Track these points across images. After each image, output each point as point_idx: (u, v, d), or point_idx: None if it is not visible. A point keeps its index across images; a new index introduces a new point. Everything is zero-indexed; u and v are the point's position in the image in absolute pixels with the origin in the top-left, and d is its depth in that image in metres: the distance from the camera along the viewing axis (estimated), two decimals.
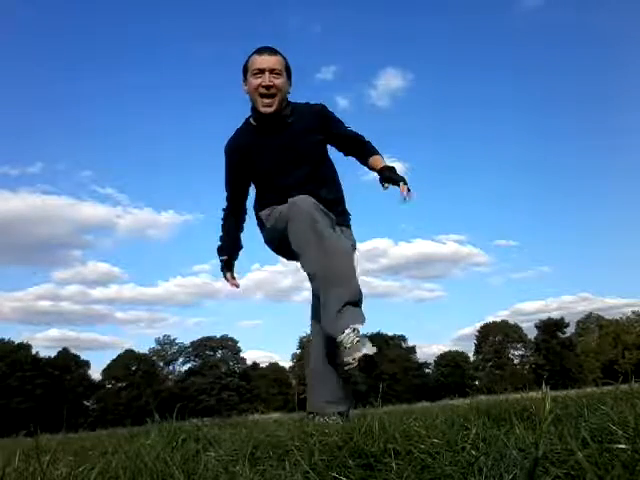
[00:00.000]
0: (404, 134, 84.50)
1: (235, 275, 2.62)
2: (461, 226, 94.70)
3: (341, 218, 2.48)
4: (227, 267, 2.60)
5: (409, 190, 2.37)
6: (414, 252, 72.70)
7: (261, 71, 2.29)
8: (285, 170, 2.41)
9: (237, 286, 2.60)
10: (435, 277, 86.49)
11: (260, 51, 2.34)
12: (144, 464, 1.06)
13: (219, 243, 2.62)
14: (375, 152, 2.60)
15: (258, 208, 2.53)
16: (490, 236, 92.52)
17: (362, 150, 2.61)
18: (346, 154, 2.62)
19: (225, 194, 2.61)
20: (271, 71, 2.30)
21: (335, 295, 1.96)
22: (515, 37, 79.50)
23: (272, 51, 2.35)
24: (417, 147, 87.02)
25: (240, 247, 2.69)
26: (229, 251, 2.62)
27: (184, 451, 1.26)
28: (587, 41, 77.49)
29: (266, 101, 2.31)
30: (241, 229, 2.70)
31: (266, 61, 2.31)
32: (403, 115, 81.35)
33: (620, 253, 79.05)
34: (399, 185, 2.37)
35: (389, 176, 2.41)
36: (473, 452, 0.94)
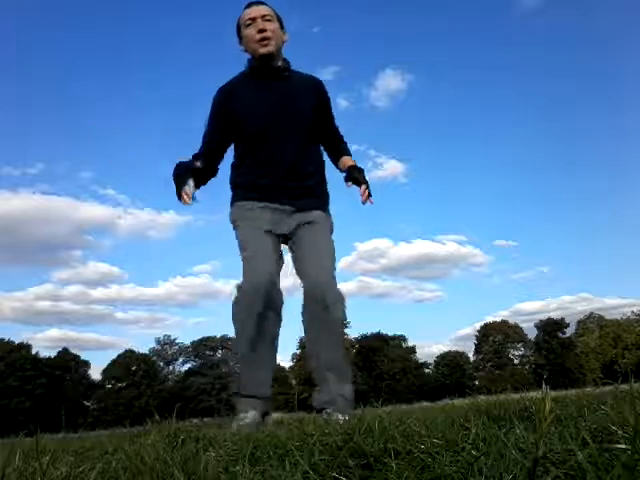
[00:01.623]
0: (403, 135, 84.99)
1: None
2: (461, 226, 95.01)
3: (321, 201, 2.47)
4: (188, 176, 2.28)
5: (370, 195, 2.43)
6: (414, 252, 72.90)
7: (253, 19, 2.34)
8: (278, 127, 2.34)
9: (189, 200, 2.30)
10: (435, 277, 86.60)
11: (249, 5, 2.40)
12: (144, 464, 1.06)
13: (190, 159, 2.35)
14: (349, 153, 2.66)
15: (237, 178, 2.44)
16: (490, 236, 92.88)
17: (338, 147, 2.65)
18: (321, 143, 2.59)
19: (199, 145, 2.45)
20: (262, 17, 2.34)
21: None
22: (514, 38, 79.58)
23: (259, 2, 2.40)
24: (416, 148, 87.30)
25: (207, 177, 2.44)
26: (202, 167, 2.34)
27: (184, 451, 1.26)
28: (586, 42, 77.59)
29: (262, 43, 2.32)
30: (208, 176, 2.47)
31: (255, 10, 2.36)
32: (402, 116, 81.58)
33: (620, 253, 79.16)
34: (360, 186, 2.43)
35: (355, 177, 2.46)
36: (473, 452, 0.94)
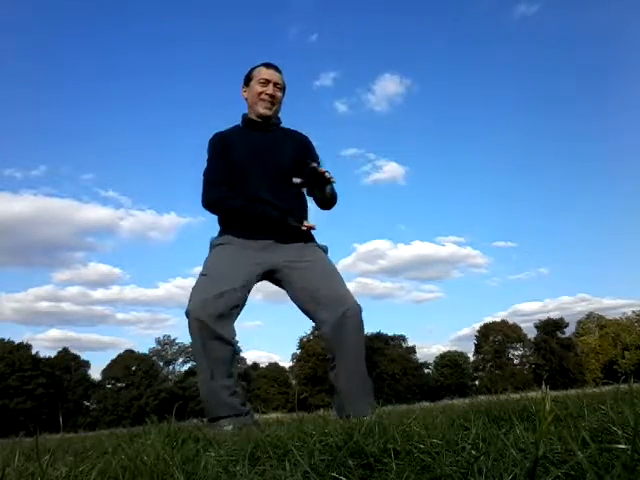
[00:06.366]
0: (403, 138, 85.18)
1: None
2: (460, 228, 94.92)
3: (304, 235, 2.51)
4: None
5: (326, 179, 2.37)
6: (413, 254, 72.97)
7: (267, 82, 2.58)
8: (259, 166, 2.50)
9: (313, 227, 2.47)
10: (434, 278, 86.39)
11: (268, 65, 2.64)
12: (144, 464, 1.06)
13: (249, 209, 2.41)
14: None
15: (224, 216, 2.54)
16: (489, 237, 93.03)
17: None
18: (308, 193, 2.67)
19: (207, 186, 2.50)
20: (275, 84, 2.60)
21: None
22: (512, 40, 79.58)
23: (278, 69, 2.66)
24: (416, 150, 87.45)
25: None
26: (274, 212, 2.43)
27: (184, 451, 1.26)
28: (585, 41, 77.63)
29: (267, 105, 2.58)
30: None
31: (273, 75, 2.61)
32: (401, 119, 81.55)
33: (619, 254, 79.18)
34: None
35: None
36: (473, 452, 0.94)
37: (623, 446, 0.80)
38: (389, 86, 78.48)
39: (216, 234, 2.57)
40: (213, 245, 2.51)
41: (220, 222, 2.58)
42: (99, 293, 74.18)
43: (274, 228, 2.43)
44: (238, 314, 2.37)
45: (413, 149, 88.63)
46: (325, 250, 2.58)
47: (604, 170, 79.00)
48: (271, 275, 2.47)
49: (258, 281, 2.46)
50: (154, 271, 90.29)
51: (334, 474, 0.91)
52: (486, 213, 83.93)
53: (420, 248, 73.39)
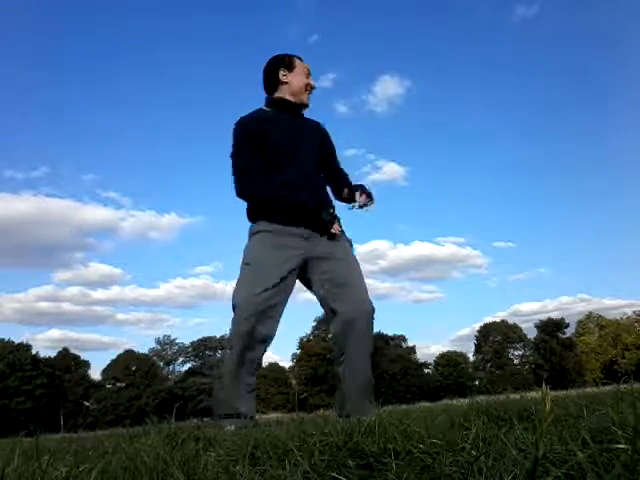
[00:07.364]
0: (402, 138, 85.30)
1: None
2: (460, 228, 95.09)
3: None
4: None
5: (369, 199, 2.56)
6: (413, 254, 73.07)
7: (309, 75, 2.69)
8: (295, 152, 2.52)
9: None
10: (434, 279, 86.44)
11: (304, 61, 2.72)
12: (144, 464, 1.06)
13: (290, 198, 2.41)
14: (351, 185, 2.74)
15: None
16: (488, 238, 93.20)
17: (342, 181, 2.76)
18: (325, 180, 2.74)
19: (242, 174, 2.44)
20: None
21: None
22: (511, 42, 79.65)
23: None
24: (415, 151, 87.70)
25: None
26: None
27: (184, 451, 1.26)
28: (585, 42, 77.70)
29: (308, 96, 2.67)
30: None
31: (310, 71, 2.71)
32: (401, 120, 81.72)
33: (618, 255, 79.20)
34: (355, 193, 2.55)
35: (351, 186, 2.63)
36: (473, 452, 0.94)
37: (623, 446, 0.80)
38: (389, 87, 79.04)
39: (250, 225, 2.53)
40: (252, 233, 2.47)
41: (252, 211, 2.50)
42: (99, 293, 74.47)
43: (309, 218, 2.42)
44: (282, 311, 2.39)
45: (413, 149, 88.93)
46: (351, 244, 2.58)
47: (604, 170, 79.18)
48: (304, 267, 2.45)
49: (298, 273, 2.45)
50: (154, 271, 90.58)
51: (334, 474, 0.91)
52: (486, 213, 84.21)
53: (420, 248, 73.59)
